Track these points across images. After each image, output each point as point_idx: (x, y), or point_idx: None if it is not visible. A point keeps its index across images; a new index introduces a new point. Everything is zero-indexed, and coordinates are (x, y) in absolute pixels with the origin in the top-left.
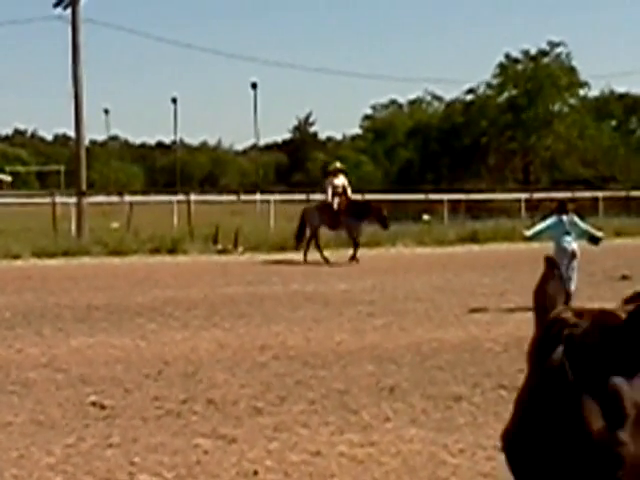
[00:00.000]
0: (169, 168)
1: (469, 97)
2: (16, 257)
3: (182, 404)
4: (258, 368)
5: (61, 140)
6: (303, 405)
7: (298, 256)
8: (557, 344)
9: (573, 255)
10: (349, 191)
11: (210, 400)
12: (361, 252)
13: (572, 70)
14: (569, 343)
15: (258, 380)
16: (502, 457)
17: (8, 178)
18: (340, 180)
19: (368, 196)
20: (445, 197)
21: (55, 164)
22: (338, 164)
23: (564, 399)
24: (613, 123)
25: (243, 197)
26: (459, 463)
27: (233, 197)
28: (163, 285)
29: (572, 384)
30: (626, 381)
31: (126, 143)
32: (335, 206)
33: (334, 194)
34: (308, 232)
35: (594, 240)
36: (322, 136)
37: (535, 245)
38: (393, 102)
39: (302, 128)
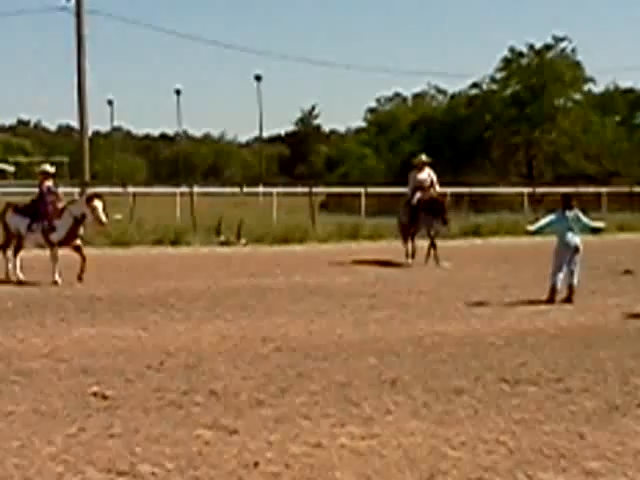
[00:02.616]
0: (172, 160)
1: (473, 91)
2: None
3: (184, 395)
4: (260, 360)
5: (65, 131)
6: (304, 397)
7: (300, 248)
8: None
9: (576, 250)
10: (437, 185)
11: (212, 391)
12: (363, 245)
13: (577, 65)
14: None
15: (260, 372)
16: None
17: (11, 168)
18: (425, 174)
19: (371, 189)
20: (448, 190)
21: (59, 155)
22: (424, 157)
23: None
24: (617, 118)
25: (246, 189)
26: (460, 456)
27: (236, 189)
28: (166, 276)
29: None
30: None
31: (129, 134)
32: (414, 202)
33: (417, 189)
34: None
35: (595, 230)
36: (325, 129)
37: (538, 239)
38: (397, 95)
39: (306, 120)
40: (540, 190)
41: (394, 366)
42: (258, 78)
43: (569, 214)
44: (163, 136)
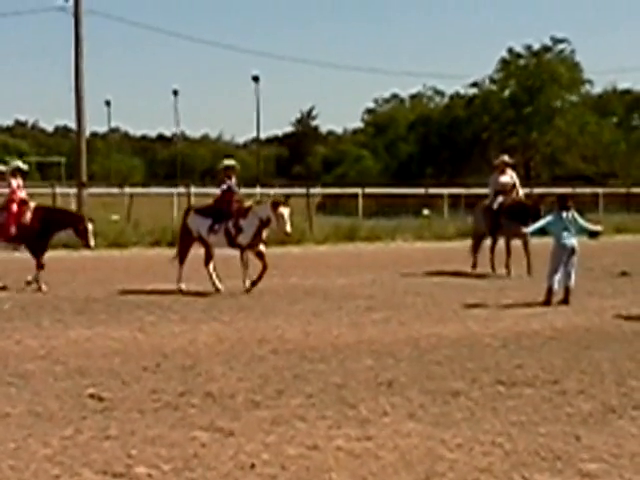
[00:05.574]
0: (170, 160)
1: (472, 91)
2: (15, 249)
3: (180, 397)
4: (256, 361)
5: (62, 132)
6: (301, 399)
7: (297, 250)
8: None
9: (572, 251)
10: (520, 189)
11: (208, 393)
12: (360, 247)
13: (575, 66)
14: None
15: (256, 373)
16: None
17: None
18: (507, 177)
19: (368, 190)
20: (445, 191)
21: (56, 156)
22: (506, 157)
23: None
24: (615, 120)
25: (243, 190)
26: (456, 458)
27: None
28: (162, 278)
29: None
30: None
31: (127, 135)
32: (495, 206)
33: (498, 193)
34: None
35: (593, 234)
36: (323, 130)
37: (534, 241)
38: (395, 96)
39: (304, 121)
40: (537, 191)
41: (390, 368)
42: (256, 79)
43: (565, 215)
44: (160, 137)
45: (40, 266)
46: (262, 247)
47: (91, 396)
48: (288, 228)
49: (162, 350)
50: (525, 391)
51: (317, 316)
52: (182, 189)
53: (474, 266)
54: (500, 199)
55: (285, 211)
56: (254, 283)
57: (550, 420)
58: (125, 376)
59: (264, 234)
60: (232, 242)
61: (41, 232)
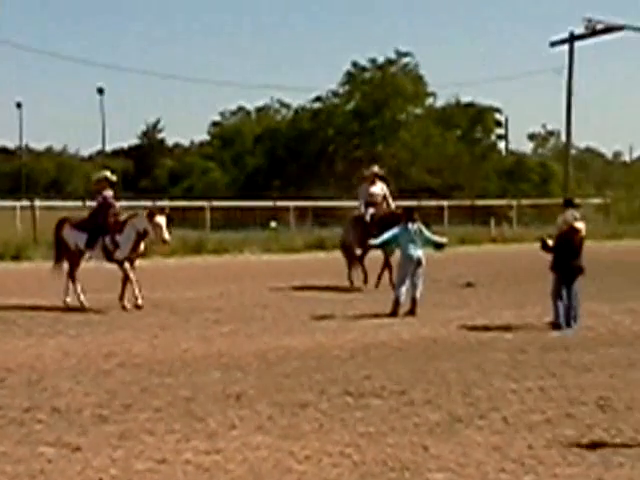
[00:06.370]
0: (13, 174)
1: (316, 105)
2: None
3: (26, 412)
4: (103, 376)
5: None
6: (149, 413)
7: (144, 263)
8: None
9: (419, 263)
10: (390, 200)
11: (54, 408)
12: (207, 260)
13: (419, 79)
14: None
15: (103, 388)
16: None
17: None
18: (378, 187)
19: (216, 203)
20: (292, 204)
21: None
22: (376, 168)
23: None
24: (458, 132)
25: (89, 203)
26: (305, 469)
27: (79, 203)
28: (6, 292)
29: None
30: None
31: None
32: (367, 218)
33: (368, 204)
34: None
35: (439, 247)
36: (170, 142)
37: (379, 253)
38: (241, 109)
39: (150, 134)
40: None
41: (239, 380)
42: (100, 91)
43: (412, 227)
44: (3, 150)
45: None
46: (137, 261)
47: None
48: (166, 236)
49: (7, 365)
50: (373, 402)
51: (165, 329)
52: (26, 202)
53: (362, 279)
54: (371, 210)
55: (162, 220)
56: (121, 298)
57: (398, 430)
58: None
59: (142, 246)
60: (110, 257)
61: None
